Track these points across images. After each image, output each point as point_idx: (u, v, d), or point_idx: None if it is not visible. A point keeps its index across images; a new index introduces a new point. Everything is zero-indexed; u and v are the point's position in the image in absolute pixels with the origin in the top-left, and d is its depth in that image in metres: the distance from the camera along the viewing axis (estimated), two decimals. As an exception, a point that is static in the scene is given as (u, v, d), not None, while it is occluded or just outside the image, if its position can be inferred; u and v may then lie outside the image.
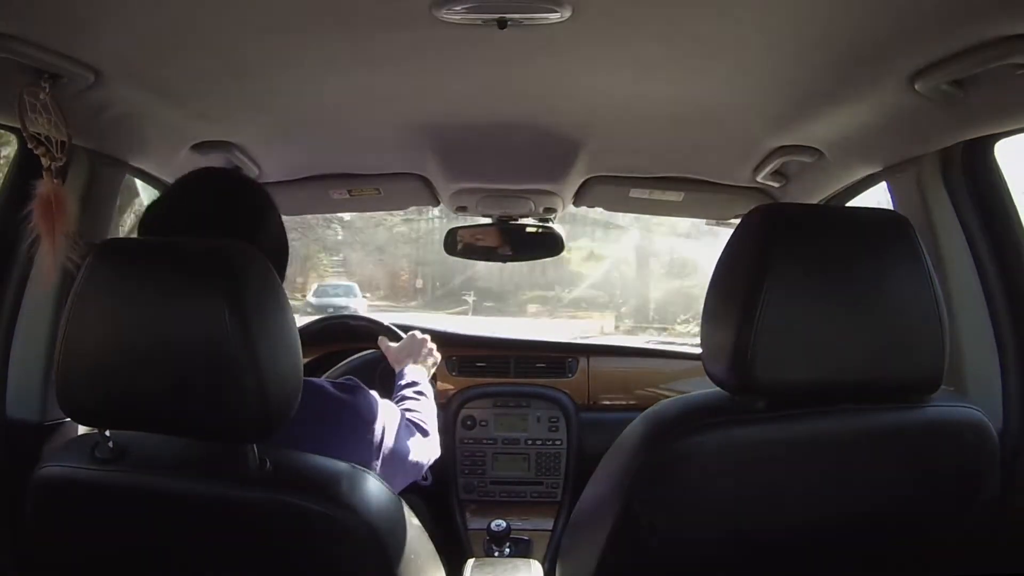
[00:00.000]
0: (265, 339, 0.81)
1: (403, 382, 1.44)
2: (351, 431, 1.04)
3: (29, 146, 0.99)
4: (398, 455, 1.12)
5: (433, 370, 1.58)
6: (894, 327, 0.88)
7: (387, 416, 1.11)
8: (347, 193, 1.84)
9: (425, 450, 1.24)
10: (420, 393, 1.41)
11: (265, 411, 0.80)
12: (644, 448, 0.92)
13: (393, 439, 1.11)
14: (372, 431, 1.06)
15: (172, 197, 1.06)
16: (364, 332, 1.97)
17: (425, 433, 1.27)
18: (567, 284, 10.47)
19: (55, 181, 1.00)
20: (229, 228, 0.98)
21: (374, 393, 1.11)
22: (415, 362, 1.53)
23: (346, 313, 2.07)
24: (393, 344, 1.63)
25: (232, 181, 1.14)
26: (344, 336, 2.07)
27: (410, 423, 1.24)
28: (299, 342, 0.87)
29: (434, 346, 1.62)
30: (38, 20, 0.90)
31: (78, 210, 1.24)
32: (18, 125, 1.01)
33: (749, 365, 0.86)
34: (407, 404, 1.33)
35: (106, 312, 0.82)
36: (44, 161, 1.00)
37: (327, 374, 1.86)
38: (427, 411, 1.35)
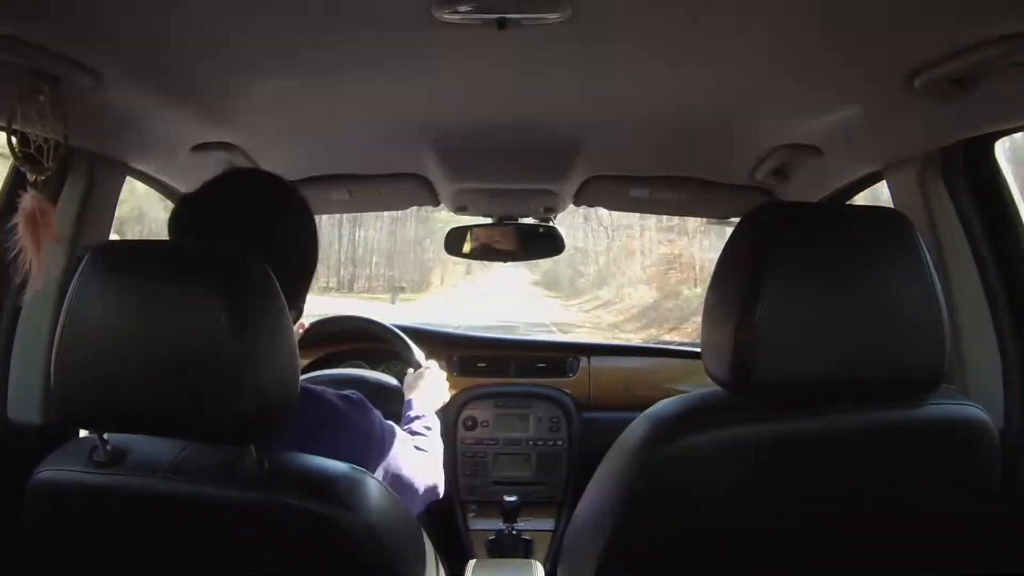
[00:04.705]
0: (262, 340, 0.81)
1: (412, 413, 1.45)
2: (362, 448, 1.03)
3: (16, 163, 0.99)
4: (405, 481, 1.11)
5: (439, 406, 1.60)
6: (894, 325, 0.88)
7: (394, 439, 1.11)
8: (347, 194, 1.84)
9: (431, 479, 1.24)
10: (428, 428, 1.41)
11: (263, 412, 0.80)
12: (645, 447, 0.92)
13: (400, 464, 1.10)
14: (379, 452, 1.06)
15: (192, 200, 1.05)
16: (374, 334, 1.96)
17: (429, 466, 1.25)
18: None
19: (39, 195, 1.00)
20: (241, 229, 0.96)
21: (378, 413, 1.10)
22: (430, 397, 1.54)
23: (358, 316, 2.05)
24: (413, 372, 1.63)
25: (250, 181, 1.11)
26: (353, 337, 2.06)
27: (418, 450, 1.24)
28: (295, 342, 0.87)
29: (447, 385, 1.66)
30: (39, 22, 0.90)
31: (77, 212, 1.25)
32: (16, 127, 1.01)
33: (749, 364, 0.86)
34: (416, 439, 1.32)
35: (102, 314, 0.82)
36: (31, 175, 1.00)
37: (331, 370, 1.87)
38: (434, 447, 1.35)
